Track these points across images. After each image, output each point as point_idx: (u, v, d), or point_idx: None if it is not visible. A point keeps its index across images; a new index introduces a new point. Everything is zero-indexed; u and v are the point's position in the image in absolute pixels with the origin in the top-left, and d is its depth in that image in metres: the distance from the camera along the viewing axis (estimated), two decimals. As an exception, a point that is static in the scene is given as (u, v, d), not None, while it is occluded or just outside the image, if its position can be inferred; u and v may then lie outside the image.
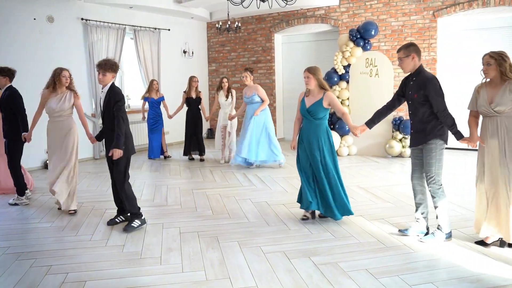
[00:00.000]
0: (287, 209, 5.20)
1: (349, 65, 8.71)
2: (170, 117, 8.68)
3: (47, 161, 5.43)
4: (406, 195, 5.63)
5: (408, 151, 8.11)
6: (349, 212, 4.59)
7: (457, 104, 8.93)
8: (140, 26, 9.89)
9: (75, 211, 5.17)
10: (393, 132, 8.35)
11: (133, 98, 10.24)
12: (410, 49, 3.98)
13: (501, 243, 3.82)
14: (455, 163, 7.63)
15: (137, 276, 3.45)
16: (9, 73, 5.62)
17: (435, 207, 3.99)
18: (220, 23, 9.45)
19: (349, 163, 7.91)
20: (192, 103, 8.50)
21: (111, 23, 9.17)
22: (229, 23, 9.27)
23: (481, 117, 3.99)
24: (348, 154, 8.68)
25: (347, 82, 8.76)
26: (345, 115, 4.54)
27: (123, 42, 9.43)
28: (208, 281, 3.35)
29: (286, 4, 7.00)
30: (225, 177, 7.03)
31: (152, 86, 8.72)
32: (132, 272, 3.52)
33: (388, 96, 8.27)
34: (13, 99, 5.46)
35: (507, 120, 3.69)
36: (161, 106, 8.78)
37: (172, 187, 6.42)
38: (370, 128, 4.38)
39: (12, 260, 3.80)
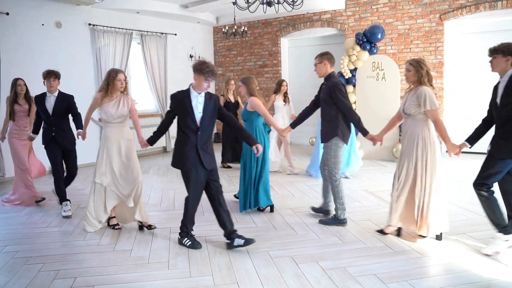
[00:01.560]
0: (294, 213, 5.19)
1: (355, 69, 8.70)
2: None
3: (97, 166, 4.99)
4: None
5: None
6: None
7: (465, 106, 8.91)
8: (147, 31, 9.94)
9: (151, 226, 4.75)
10: (400, 136, 8.31)
11: (140, 103, 10.29)
12: (323, 57, 4.72)
13: (398, 232, 4.32)
14: (461, 167, 7.57)
15: (145, 281, 3.45)
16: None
17: (333, 197, 4.72)
18: (227, 28, 9.47)
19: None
20: (231, 107, 7.96)
21: (118, 28, 9.23)
22: (235, 27, 9.28)
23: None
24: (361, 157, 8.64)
25: (354, 86, 8.75)
26: (266, 116, 5.19)
27: (130, 47, 9.48)
28: (216, 286, 3.35)
29: (293, 8, 7.00)
30: (232, 181, 7.03)
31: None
32: (140, 277, 3.52)
33: (394, 100, 8.28)
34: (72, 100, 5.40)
35: (412, 123, 4.09)
36: None
37: (179, 191, 6.42)
38: (293, 128, 5.20)
39: (21, 264, 3.82)
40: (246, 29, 9.56)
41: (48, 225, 4.96)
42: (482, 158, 3.97)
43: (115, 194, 4.70)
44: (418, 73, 4.03)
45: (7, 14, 7.36)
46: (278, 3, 6.91)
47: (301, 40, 11.12)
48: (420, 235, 4.17)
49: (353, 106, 8.71)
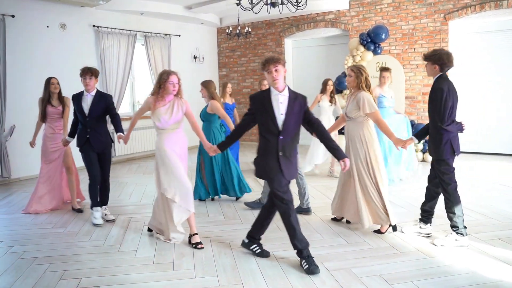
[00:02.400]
0: (298, 214, 5.17)
1: (359, 69, 8.68)
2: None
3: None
4: (419, 200, 5.56)
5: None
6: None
7: (470, 106, 8.88)
8: (151, 32, 9.96)
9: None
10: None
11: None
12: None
13: (347, 221, 4.76)
14: (468, 168, 7.55)
15: (150, 282, 3.46)
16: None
17: (299, 190, 5.19)
18: (230, 28, 9.49)
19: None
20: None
21: (122, 29, 9.26)
22: (239, 28, 9.29)
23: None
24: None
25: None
26: (225, 118, 5.55)
27: (134, 48, 9.52)
28: (221, 286, 3.35)
29: (297, 9, 7.00)
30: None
31: (225, 89, 7.52)
32: (145, 278, 3.53)
33: (399, 99, 8.25)
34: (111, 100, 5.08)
35: (353, 125, 4.42)
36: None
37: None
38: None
39: (27, 264, 3.84)
40: (249, 30, 9.57)
41: (53, 226, 4.99)
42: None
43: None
44: (358, 79, 4.36)
45: (13, 16, 7.40)
46: (282, 3, 6.91)
47: (305, 40, 11.12)
48: (378, 230, 4.46)
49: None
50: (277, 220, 4.93)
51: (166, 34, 10.33)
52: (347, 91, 8.65)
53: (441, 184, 4.05)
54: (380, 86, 6.59)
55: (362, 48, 8.57)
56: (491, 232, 4.33)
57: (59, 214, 5.43)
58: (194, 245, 4.17)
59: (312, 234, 4.45)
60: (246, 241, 3.99)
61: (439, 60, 3.92)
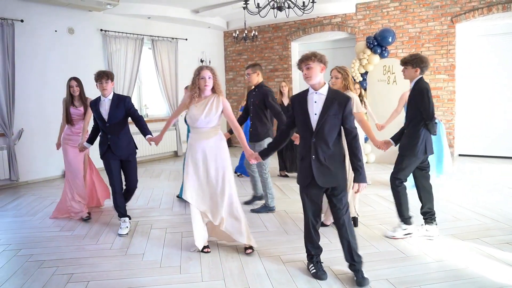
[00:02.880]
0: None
1: (366, 73, 8.68)
2: None
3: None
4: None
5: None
6: None
7: (477, 110, 8.83)
8: (158, 36, 10.02)
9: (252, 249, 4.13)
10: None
11: (151, 108, 10.37)
12: (256, 67, 5.34)
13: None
14: (477, 171, 7.50)
15: (157, 285, 3.46)
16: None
17: (263, 188, 5.47)
18: (237, 32, 9.52)
19: (368, 171, 7.78)
20: (285, 111, 7.27)
21: (130, 33, 9.32)
22: (246, 32, 9.33)
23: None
24: (366, 162, 8.60)
25: (365, 89, 8.72)
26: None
27: (141, 52, 9.57)
28: (228, 290, 3.35)
29: (303, 12, 7.01)
30: (243, 185, 7.03)
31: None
32: (152, 281, 3.54)
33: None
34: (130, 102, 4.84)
35: None
36: None
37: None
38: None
39: (35, 267, 3.87)
40: (256, 33, 9.59)
41: (61, 229, 5.01)
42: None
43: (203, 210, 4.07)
44: (345, 80, 4.56)
45: (22, 21, 7.48)
46: (289, 7, 6.92)
47: (312, 44, 11.11)
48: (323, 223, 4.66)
49: (364, 110, 8.68)
50: (284, 224, 4.94)
51: (173, 38, 10.38)
52: None
53: (394, 181, 4.27)
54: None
55: (368, 52, 8.56)
56: (500, 237, 4.29)
57: (66, 218, 5.46)
58: (201, 249, 4.14)
59: (320, 238, 4.43)
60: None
61: (421, 63, 4.12)
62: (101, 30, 8.87)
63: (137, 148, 4.94)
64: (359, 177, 3.28)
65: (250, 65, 5.41)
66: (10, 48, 7.25)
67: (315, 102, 3.28)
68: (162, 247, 4.31)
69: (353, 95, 4.48)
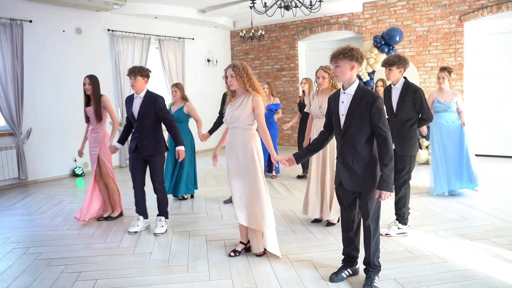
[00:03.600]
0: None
1: (373, 72, 8.64)
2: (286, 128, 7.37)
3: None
4: (433, 202, 5.54)
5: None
6: None
7: (486, 109, 8.76)
8: (165, 36, 10.05)
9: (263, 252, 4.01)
10: (419, 139, 8.21)
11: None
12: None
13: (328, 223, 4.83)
14: (486, 171, 7.45)
15: (165, 284, 3.47)
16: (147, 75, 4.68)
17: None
18: (244, 32, 9.52)
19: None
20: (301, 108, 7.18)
21: (137, 33, 9.36)
22: (252, 31, 9.32)
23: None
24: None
25: (372, 89, 8.68)
26: (199, 121, 6.12)
27: (148, 52, 9.61)
28: (235, 289, 3.36)
29: (310, 12, 7.00)
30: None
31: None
32: (159, 280, 3.55)
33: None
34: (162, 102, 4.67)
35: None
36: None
37: (198, 195, 6.47)
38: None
39: (44, 266, 3.90)
40: (263, 33, 9.59)
41: (69, 228, 5.05)
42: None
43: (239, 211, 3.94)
44: (333, 79, 4.62)
45: (30, 21, 7.53)
46: (296, 6, 6.91)
47: (318, 43, 11.10)
48: (330, 222, 4.78)
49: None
50: (291, 224, 4.93)
51: (180, 38, 10.41)
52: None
53: (404, 183, 4.31)
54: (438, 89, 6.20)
55: (376, 51, 8.52)
56: (509, 237, 4.25)
57: (73, 217, 5.48)
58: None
59: (326, 238, 4.43)
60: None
61: (405, 63, 4.19)
62: (108, 30, 8.91)
63: (167, 150, 4.81)
64: (382, 184, 3.00)
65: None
66: (19, 48, 7.32)
67: (342, 102, 3.11)
68: (169, 246, 4.33)
69: None
